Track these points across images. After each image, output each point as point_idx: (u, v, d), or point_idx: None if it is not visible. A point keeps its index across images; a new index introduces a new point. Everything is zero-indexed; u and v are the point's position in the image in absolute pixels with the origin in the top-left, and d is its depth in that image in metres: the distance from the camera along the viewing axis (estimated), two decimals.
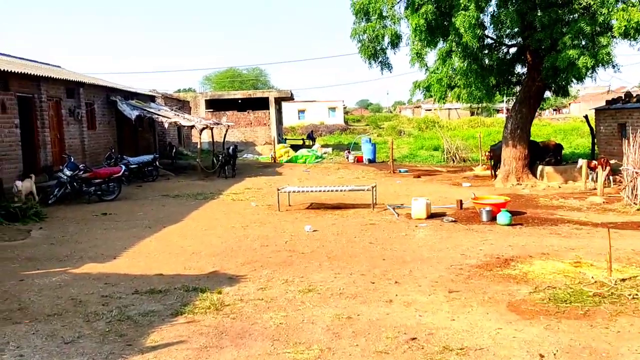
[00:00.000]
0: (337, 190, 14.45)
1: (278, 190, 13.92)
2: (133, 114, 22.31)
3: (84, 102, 20.20)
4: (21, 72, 15.57)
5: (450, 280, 7.21)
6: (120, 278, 7.66)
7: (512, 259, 8.24)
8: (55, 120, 18.23)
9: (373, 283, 7.16)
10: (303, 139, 40.95)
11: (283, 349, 5.01)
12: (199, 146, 24.07)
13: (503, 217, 11.09)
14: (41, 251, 9.50)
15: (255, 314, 5.99)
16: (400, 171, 22.91)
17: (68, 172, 15.24)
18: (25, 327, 5.65)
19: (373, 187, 13.67)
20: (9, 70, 14.87)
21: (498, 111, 69.65)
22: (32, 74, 16.28)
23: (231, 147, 22.76)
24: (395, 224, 11.36)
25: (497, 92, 20.23)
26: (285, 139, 40.96)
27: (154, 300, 6.57)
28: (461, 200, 13.09)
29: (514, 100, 19.72)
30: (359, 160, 28.28)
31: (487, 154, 21.18)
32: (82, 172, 15.53)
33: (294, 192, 14.36)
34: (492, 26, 17.41)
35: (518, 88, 19.39)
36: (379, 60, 17.39)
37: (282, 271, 7.87)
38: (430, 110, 67.45)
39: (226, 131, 28.44)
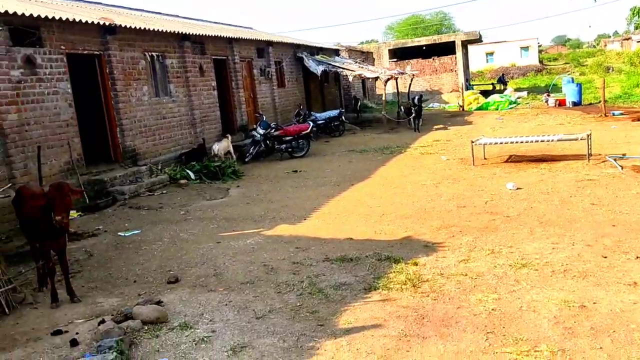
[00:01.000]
0: (541, 141, 12.63)
1: (472, 142, 12.64)
2: (319, 69, 22.35)
3: (273, 61, 20.68)
4: (216, 35, 16.21)
5: None
6: (310, 242, 7.35)
7: None
8: (247, 80, 18.92)
9: (605, 257, 5.80)
10: (493, 84, 37.98)
11: (501, 346, 4.10)
12: (383, 98, 23.40)
13: None
14: (237, 211, 9.70)
15: (460, 295, 5.13)
16: (613, 114, 19.71)
17: (261, 131, 15.69)
18: (219, 297, 5.54)
19: (588, 136, 11.65)
20: (206, 34, 15.55)
21: None
22: (226, 36, 16.90)
23: (416, 97, 21.65)
24: (621, 180, 9.47)
25: None
26: (472, 85, 38.39)
27: (345, 270, 6.08)
28: None
29: None
30: (560, 103, 25.14)
31: None
32: (273, 130, 15.88)
33: (489, 144, 12.93)
34: None
35: None
36: None
37: (485, 239, 6.85)
38: None
39: (411, 80, 27.26)
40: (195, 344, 4.48)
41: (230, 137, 15.17)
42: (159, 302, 5.24)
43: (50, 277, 5.60)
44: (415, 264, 6.05)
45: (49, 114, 10.27)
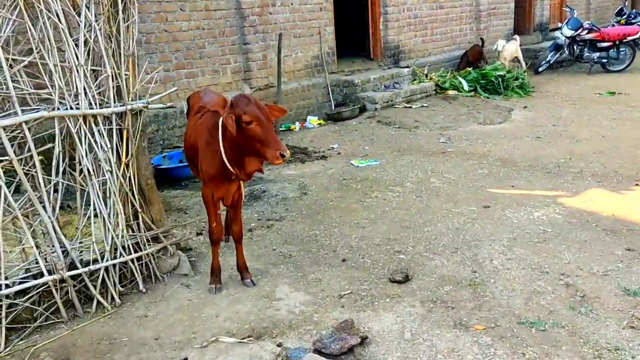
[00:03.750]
0: None
1: None
2: None
3: None
4: None
5: None
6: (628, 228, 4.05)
7: None
8: None
9: None
10: None
11: None
12: None
13: None
14: (522, 148, 6.59)
15: None
16: None
17: (568, 32, 11.59)
18: (473, 349, 2.83)
19: None
20: None
21: None
22: None
23: None
24: None
25: None
26: None
27: None
28: None
29: None
30: None
31: None
32: (585, 32, 11.59)
33: None
34: None
35: None
36: None
37: None
38: None
39: None
40: None
41: (518, 39, 11.45)
42: (361, 342, 2.82)
43: (212, 243, 3.61)
44: None
45: None
